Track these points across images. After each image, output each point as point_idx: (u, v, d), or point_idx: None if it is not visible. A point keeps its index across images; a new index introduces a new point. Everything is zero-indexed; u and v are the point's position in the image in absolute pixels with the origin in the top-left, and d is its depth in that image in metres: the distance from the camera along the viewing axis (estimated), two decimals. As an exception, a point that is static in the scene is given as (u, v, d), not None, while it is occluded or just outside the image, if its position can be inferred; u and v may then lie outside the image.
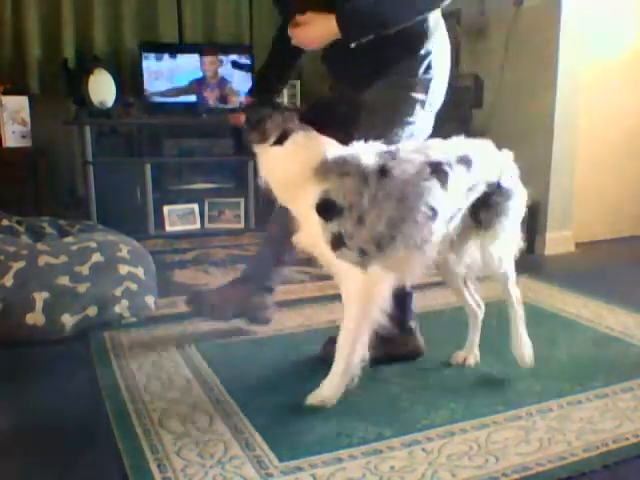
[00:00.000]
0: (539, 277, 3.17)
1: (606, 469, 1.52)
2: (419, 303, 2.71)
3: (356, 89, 1.98)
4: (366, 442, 1.61)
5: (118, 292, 2.45)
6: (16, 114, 3.78)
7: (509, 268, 1.97)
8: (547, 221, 3.68)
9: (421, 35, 1.91)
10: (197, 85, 4.25)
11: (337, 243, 1.65)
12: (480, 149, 1.85)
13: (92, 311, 2.39)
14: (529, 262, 3.54)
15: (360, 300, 1.68)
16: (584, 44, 3.59)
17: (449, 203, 1.74)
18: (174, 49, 4.18)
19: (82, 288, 2.38)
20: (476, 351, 2.12)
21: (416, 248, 1.72)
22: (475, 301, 2.12)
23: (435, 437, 1.65)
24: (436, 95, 1.98)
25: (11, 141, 3.77)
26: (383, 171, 1.66)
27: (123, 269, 2.51)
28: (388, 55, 1.89)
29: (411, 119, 1.93)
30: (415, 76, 1.92)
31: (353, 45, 1.78)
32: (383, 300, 1.70)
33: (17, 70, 3.91)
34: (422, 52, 1.92)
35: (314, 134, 1.74)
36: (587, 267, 3.48)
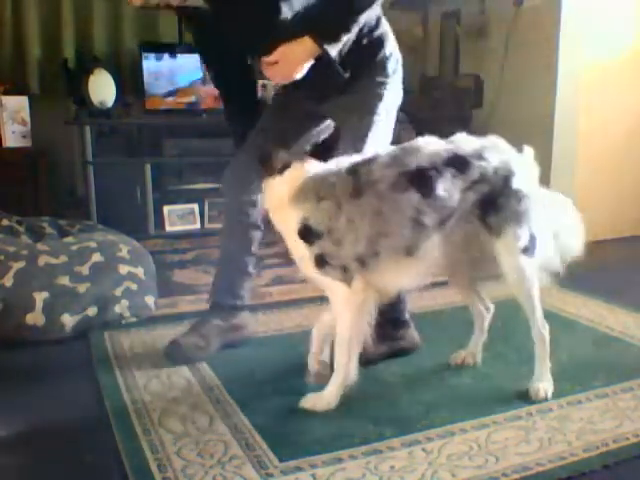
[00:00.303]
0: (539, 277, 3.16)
1: (606, 469, 1.52)
2: (419, 303, 2.71)
3: (318, 102, 2.01)
4: (366, 442, 1.61)
5: (118, 292, 2.45)
6: (16, 114, 3.77)
7: (531, 290, 1.89)
8: (547, 221, 3.68)
9: (379, 38, 1.94)
10: (197, 85, 4.24)
11: (321, 263, 1.70)
12: (481, 147, 1.77)
13: (92, 311, 2.39)
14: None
15: (348, 311, 1.74)
16: (584, 44, 3.59)
17: (436, 208, 1.68)
18: (174, 49, 4.18)
19: (82, 288, 2.38)
20: (478, 352, 2.12)
21: (405, 257, 1.71)
22: (484, 304, 2.11)
23: (435, 437, 1.65)
24: (397, 76, 2.00)
25: (11, 141, 3.76)
26: (356, 191, 1.66)
27: (123, 269, 2.51)
28: (351, 65, 1.88)
29: (381, 104, 1.95)
30: (381, 76, 1.96)
31: (334, 53, 1.77)
32: (370, 309, 1.77)
33: (17, 70, 3.90)
34: (382, 55, 1.95)
35: (303, 161, 1.76)
36: (587, 267, 3.46)
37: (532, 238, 1.80)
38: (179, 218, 4.20)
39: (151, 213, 4.02)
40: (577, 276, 3.22)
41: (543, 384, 1.86)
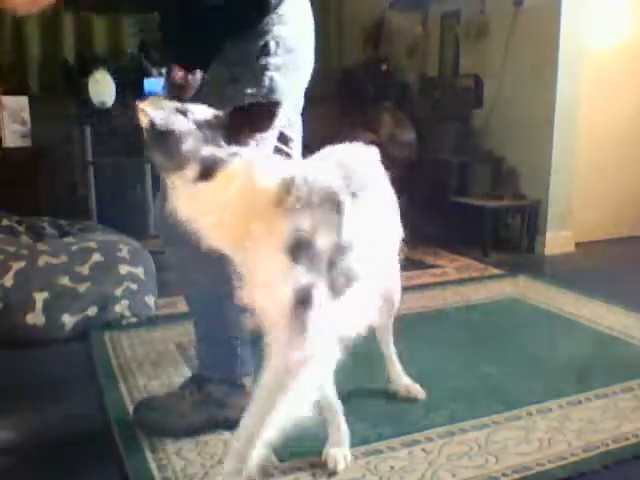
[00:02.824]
0: (539, 277, 3.17)
1: (606, 469, 1.52)
2: (417, 303, 2.71)
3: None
4: (366, 442, 1.61)
5: (118, 292, 2.45)
6: (16, 114, 3.77)
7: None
8: (547, 221, 3.68)
9: (258, 10, 1.52)
10: (197, 85, 4.24)
11: (303, 298, 1.25)
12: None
13: (92, 311, 2.39)
14: (529, 262, 3.55)
15: (294, 380, 1.27)
16: (584, 44, 3.59)
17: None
18: (174, 49, 4.17)
19: (82, 288, 2.38)
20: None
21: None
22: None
23: (435, 437, 1.65)
24: (282, 90, 1.56)
25: (11, 141, 3.76)
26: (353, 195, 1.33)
27: (123, 269, 2.51)
28: (214, 37, 1.51)
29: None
30: (245, 64, 1.53)
31: None
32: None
33: (17, 70, 3.91)
34: (258, 34, 1.53)
35: (256, 156, 1.30)
36: (587, 267, 3.47)
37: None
38: (179, 218, 4.19)
39: (151, 213, 4.01)
40: (577, 276, 3.24)
41: (341, 450, 1.54)
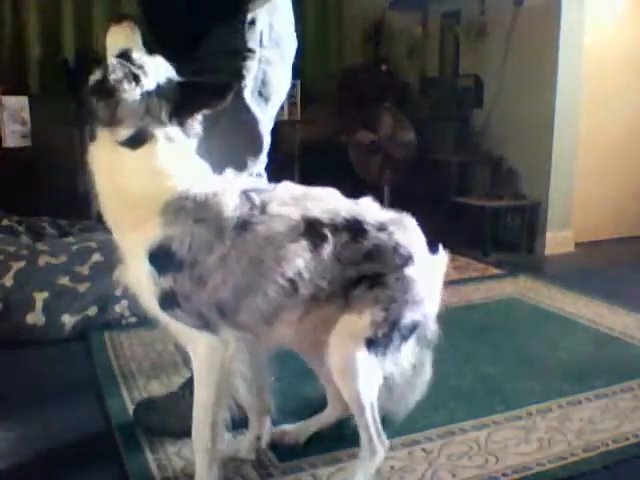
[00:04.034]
0: (539, 277, 3.17)
1: (606, 469, 1.52)
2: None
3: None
4: (366, 442, 1.61)
5: (118, 292, 2.45)
6: (16, 114, 3.77)
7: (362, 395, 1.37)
8: (547, 221, 3.68)
9: None
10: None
11: (168, 302, 1.28)
12: (387, 219, 1.39)
13: (92, 311, 2.39)
14: (529, 262, 3.55)
15: (211, 368, 1.32)
16: (584, 44, 3.59)
17: (317, 275, 1.31)
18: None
19: (82, 288, 2.38)
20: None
21: (262, 325, 1.33)
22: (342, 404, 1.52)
23: (435, 437, 1.65)
24: (271, 83, 1.54)
25: (11, 141, 3.76)
26: (244, 225, 1.27)
27: (123, 269, 2.51)
28: (200, 22, 1.47)
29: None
30: (233, 55, 1.50)
31: None
32: (240, 363, 1.33)
33: (17, 70, 3.91)
34: (245, 19, 1.48)
35: (187, 151, 1.30)
36: (587, 267, 3.47)
37: (389, 336, 1.35)
38: (179, 218, 4.19)
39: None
40: (577, 276, 3.24)
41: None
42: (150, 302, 1.32)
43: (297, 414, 1.69)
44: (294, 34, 1.66)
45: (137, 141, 1.23)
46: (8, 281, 2.30)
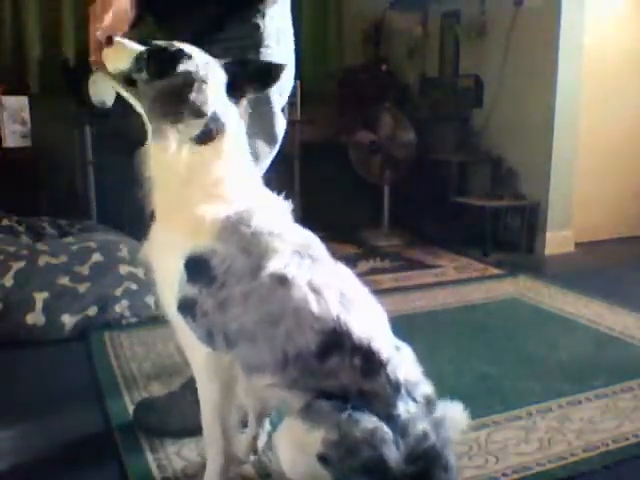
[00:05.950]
0: (539, 277, 3.17)
1: (606, 469, 1.52)
2: (417, 303, 2.71)
3: None
4: (366, 442, 1.61)
5: (118, 292, 2.45)
6: (16, 114, 3.77)
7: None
8: (547, 221, 3.68)
9: None
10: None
11: (186, 309, 1.25)
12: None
13: (92, 311, 2.39)
14: (529, 262, 3.55)
15: (211, 374, 1.31)
16: (584, 44, 3.59)
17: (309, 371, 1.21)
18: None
19: (82, 288, 2.38)
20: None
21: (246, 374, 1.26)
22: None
23: (435, 437, 1.64)
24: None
25: (11, 141, 3.76)
26: (283, 281, 1.18)
27: (123, 269, 2.51)
28: (210, 18, 1.46)
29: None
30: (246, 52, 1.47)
31: None
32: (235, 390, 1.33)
33: (17, 70, 3.91)
34: (257, 18, 1.47)
35: (245, 150, 1.26)
36: (587, 267, 3.47)
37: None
38: (179, 218, 4.19)
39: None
40: (577, 276, 3.24)
41: None
42: (168, 300, 1.29)
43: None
44: (291, 29, 1.64)
45: (208, 135, 1.18)
46: (8, 281, 2.30)
